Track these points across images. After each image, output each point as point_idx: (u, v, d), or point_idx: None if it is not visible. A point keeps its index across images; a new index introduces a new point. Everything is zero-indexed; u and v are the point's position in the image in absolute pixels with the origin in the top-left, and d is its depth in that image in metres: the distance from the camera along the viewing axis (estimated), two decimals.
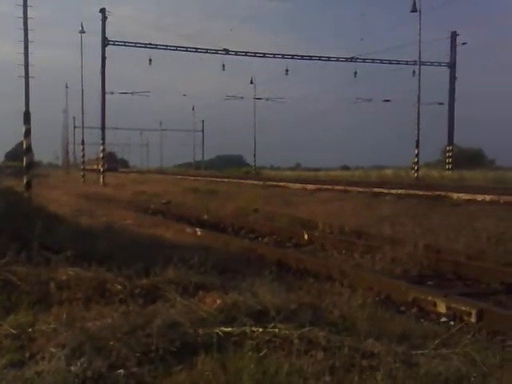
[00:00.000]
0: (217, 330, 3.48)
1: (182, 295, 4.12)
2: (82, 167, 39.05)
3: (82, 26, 33.79)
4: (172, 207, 16.40)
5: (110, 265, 5.07)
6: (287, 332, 3.48)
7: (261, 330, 3.51)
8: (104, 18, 33.23)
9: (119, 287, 4.39)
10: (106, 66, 33.86)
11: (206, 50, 37.89)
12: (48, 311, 4.06)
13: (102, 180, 32.80)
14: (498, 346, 4.10)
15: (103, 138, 34.76)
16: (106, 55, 33.74)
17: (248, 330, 3.50)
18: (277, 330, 3.51)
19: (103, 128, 34.61)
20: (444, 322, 4.91)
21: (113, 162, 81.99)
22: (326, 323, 3.79)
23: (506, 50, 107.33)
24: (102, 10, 33.10)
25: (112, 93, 36.05)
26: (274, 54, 39.22)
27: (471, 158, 45.64)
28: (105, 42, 33.53)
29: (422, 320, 4.85)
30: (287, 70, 39.71)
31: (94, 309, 4.02)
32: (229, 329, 3.51)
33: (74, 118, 58.92)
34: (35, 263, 5.05)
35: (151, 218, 13.08)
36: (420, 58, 32.29)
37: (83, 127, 39.22)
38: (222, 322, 3.62)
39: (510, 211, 11.67)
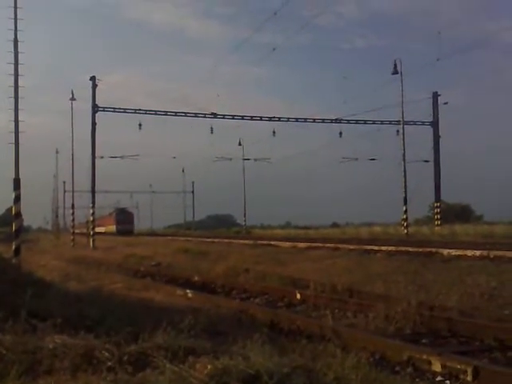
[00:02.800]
0: None
1: (172, 361, 4.02)
2: (71, 231, 38.76)
3: (73, 94, 34.44)
4: (162, 269, 16.25)
5: (98, 331, 4.98)
6: None
7: None
8: (94, 86, 33.94)
9: (107, 354, 4.29)
10: (96, 131, 34.32)
11: (195, 114, 38.58)
12: (35, 381, 3.94)
13: (91, 243, 32.55)
14: None
15: (93, 202, 34.77)
16: (96, 121, 34.27)
17: None
18: None
19: (93, 192, 34.68)
20: (439, 381, 4.82)
21: (126, 223, 69.23)
22: None
23: (486, 107, 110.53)
24: (92, 78, 33.86)
25: (102, 157, 36.30)
26: (261, 117, 39.99)
27: (459, 214, 46.02)
28: (95, 108, 34.11)
29: (418, 380, 4.76)
30: (274, 132, 40.40)
31: (81, 378, 3.91)
32: None
33: (64, 182, 58.71)
34: (22, 331, 4.94)
35: (141, 281, 12.92)
36: (403, 117, 33.11)
37: (73, 191, 39.28)
38: None
39: (500, 266, 11.67)
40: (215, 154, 51.18)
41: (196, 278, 13.48)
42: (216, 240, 33.86)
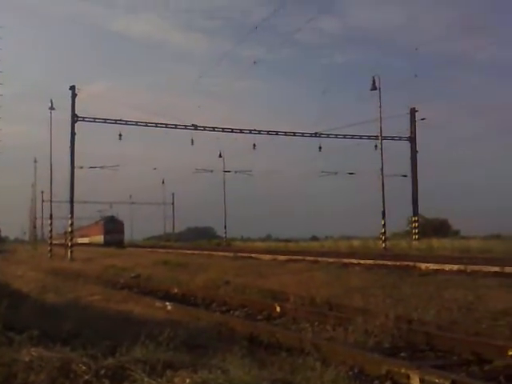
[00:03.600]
0: None
1: (150, 375, 3.99)
2: (49, 242, 38.19)
3: (52, 103, 34.12)
4: (142, 281, 16.11)
5: (75, 344, 4.92)
6: None
7: None
8: (74, 95, 33.72)
9: (84, 368, 4.23)
10: (76, 141, 34.07)
11: (176, 126, 38.54)
12: None
13: (69, 255, 32.14)
14: None
15: (72, 212, 34.38)
16: (76, 131, 34.01)
17: None
18: None
19: (72, 202, 34.31)
20: None
21: (116, 232, 62.44)
22: None
23: (463, 124, 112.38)
24: (72, 88, 33.65)
25: (81, 167, 36.02)
26: (241, 130, 40.09)
27: (437, 228, 46.51)
28: (74, 118, 33.87)
29: None
30: (254, 145, 40.50)
31: None
32: None
33: (42, 192, 57.86)
34: None
35: (120, 293, 12.78)
36: (381, 132, 33.56)
37: (51, 201, 38.74)
38: None
39: (476, 280, 11.82)
40: (196, 165, 51.25)
41: (175, 290, 13.39)
42: (196, 252, 33.74)
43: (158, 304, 10.62)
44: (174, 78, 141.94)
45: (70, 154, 33.84)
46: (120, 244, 55.97)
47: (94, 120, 36.10)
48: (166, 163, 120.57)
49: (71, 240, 33.50)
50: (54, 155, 35.29)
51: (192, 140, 38.88)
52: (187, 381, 3.82)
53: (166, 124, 38.41)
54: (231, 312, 10.25)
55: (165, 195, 78.25)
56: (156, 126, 38.43)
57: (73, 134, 33.86)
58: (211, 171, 51.50)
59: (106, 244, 56.66)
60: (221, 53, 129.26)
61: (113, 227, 63.63)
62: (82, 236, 71.89)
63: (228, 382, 3.78)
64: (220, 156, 48.91)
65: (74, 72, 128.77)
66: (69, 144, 33.95)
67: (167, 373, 4.12)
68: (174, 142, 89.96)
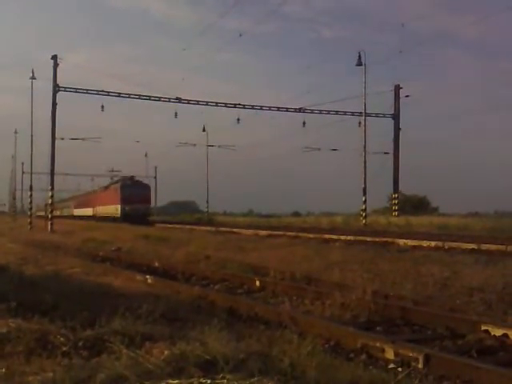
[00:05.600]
0: (163, 383, 3.40)
1: (129, 347, 4.01)
2: (29, 214, 37.85)
3: (33, 72, 33.48)
4: (122, 254, 16.10)
5: (54, 315, 4.93)
6: (235, 383, 3.43)
7: (209, 381, 3.45)
8: (55, 65, 33.10)
9: (62, 339, 4.25)
10: (57, 112, 33.57)
11: (159, 98, 38.14)
12: None
13: (49, 227, 31.94)
14: None
15: (52, 184, 34.05)
16: (57, 101, 33.50)
17: (196, 382, 3.44)
18: (225, 380, 3.46)
19: (52, 174, 33.97)
20: (392, 368, 4.95)
21: (139, 201, 42.16)
22: (275, 372, 3.76)
23: (446, 100, 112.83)
24: (54, 57, 33.01)
25: (62, 138, 35.52)
26: (226, 104, 39.79)
27: (416, 205, 47.02)
28: (56, 88, 33.30)
29: (371, 367, 4.87)
30: (238, 119, 40.27)
31: (35, 362, 3.87)
32: (176, 381, 3.44)
33: (22, 163, 56.79)
34: None
35: (100, 266, 12.78)
36: (365, 109, 33.52)
37: (32, 173, 38.24)
38: (170, 373, 3.54)
39: (454, 257, 12.04)
40: (179, 139, 50.95)
41: (156, 264, 13.42)
42: (178, 226, 33.74)
43: (139, 277, 10.65)
44: (157, 49, 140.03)
45: (51, 125, 33.39)
46: (144, 218, 39.28)
47: (76, 90, 35.59)
48: (149, 136, 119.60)
49: (51, 212, 33.27)
50: (35, 126, 34.74)
51: (176, 113, 38.58)
52: (165, 352, 3.86)
53: (150, 96, 38.02)
54: (211, 286, 10.32)
55: (148, 169, 77.34)
56: (139, 98, 38.01)
57: (54, 104, 33.34)
58: (194, 145, 51.30)
59: (125, 218, 39.85)
60: (205, 24, 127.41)
61: (135, 193, 42.96)
62: (82, 206, 60.89)
63: (206, 354, 3.82)
64: (204, 130, 48.62)
65: (56, 42, 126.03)
66: (50, 115, 33.48)
67: (146, 344, 4.16)
68: (158, 115, 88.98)
